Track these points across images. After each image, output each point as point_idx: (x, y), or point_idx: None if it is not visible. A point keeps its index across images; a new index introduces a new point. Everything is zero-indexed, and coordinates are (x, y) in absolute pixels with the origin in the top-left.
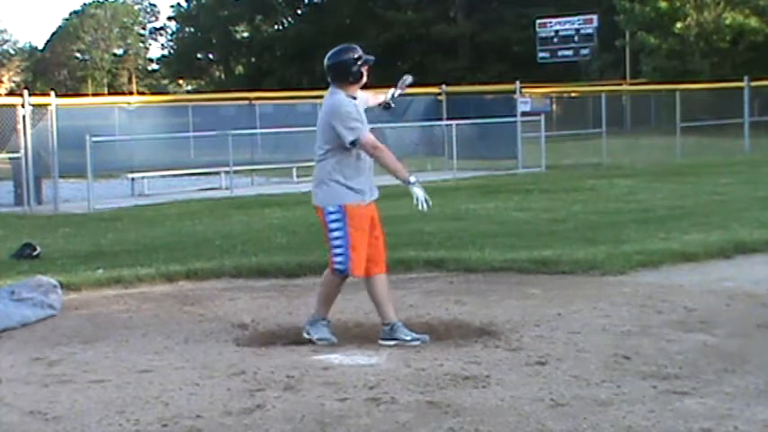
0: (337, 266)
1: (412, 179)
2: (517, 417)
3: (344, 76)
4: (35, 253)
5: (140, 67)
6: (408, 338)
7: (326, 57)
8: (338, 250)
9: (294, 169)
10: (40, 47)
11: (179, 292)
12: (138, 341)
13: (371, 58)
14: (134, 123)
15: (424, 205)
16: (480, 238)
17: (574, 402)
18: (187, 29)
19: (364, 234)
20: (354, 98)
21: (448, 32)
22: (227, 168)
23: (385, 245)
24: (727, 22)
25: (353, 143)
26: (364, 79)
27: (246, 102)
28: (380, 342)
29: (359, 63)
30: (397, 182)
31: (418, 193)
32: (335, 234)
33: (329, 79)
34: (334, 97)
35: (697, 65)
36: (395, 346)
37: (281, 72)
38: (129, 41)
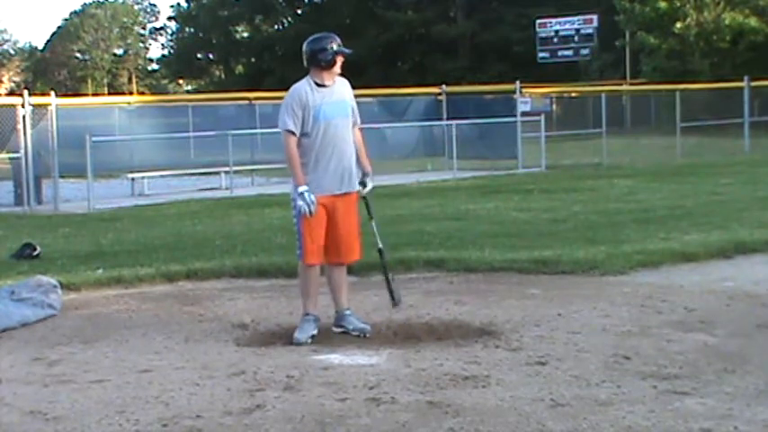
0: (297, 252)
1: (300, 189)
2: (517, 417)
3: (315, 61)
4: (35, 253)
5: (140, 67)
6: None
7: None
8: (297, 236)
9: None
10: (40, 47)
11: (179, 292)
12: (138, 341)
13: (347, 50)
14: (134, 123)
15: (307, 213)
16: (480, 238)
17: (574, 402)
18: (187, 29)
19: (316, 225)
20: (324, 86)
21: (448, 32)
22: (227, 168)
23: (348, 239)
24: (727, 22)
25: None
26: (336, 68)
27: (246, 102)
28: (333, 328)
29: (330, 50)
30: (397, 182)
31: (300, 203)
32: (295, 221)
33: (305, 64)
34: (297, 82)
35: (697, 65)
36: (342, 332)
37: (281, 72)
38: (129, 41)
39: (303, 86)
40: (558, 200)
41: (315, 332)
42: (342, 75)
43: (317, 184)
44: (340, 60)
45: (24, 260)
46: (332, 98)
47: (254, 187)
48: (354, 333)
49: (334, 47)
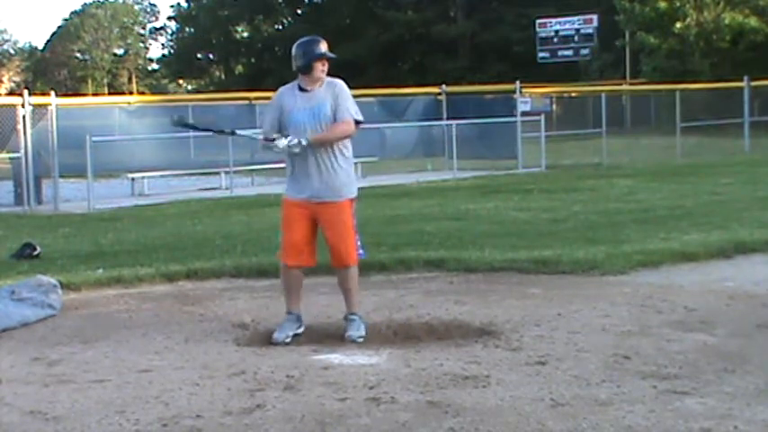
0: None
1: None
2: (517, 417)
3: (296, 66)
4: (35, 253)
5: (140, 67)
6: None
7: None
8: (280, 234)
9: None
10: (40, 47)
11: (179, 292)
12: (138, 341)
13: (331, 54)
14: (134, 123)
15: (295, 148)
16: (480, 238)
17: (574, 402)
18: (187, 29)
19: (291, 225)
20: (305, 90)
21: (448, 32)
22: (227, 168)
23: (336, 246)
24: (727, 21)
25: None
26: (315, 73)
27: (246, 102)
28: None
29: (307, 56)
30: (397, 182)
31: (281, 144)
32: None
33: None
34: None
35: (697, 65)
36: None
37: (281, 72)
38: (129, 41)
39: (286, 89)
40: (558, 200)
41: (297, 331)
42: (340, 75)
43: (296, 189)
44: (320, 66)
45: (24, 260)
46: (308, 104)
47: (254, 187)
48: (348, 339)
49: (319, 51)
